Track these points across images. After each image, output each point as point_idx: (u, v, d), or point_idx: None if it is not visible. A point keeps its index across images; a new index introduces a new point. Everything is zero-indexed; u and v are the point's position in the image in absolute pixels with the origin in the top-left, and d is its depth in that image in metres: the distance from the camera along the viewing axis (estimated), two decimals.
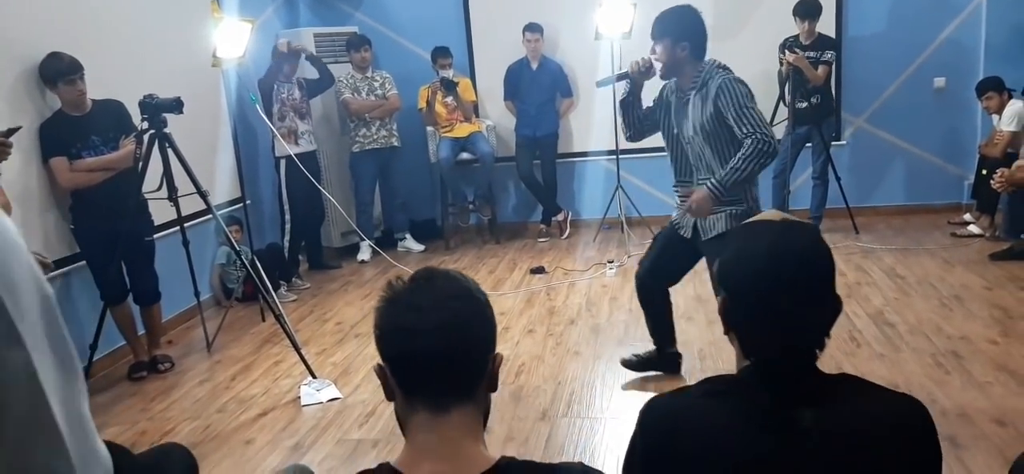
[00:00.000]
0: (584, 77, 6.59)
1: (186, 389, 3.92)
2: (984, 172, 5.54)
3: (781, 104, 5.86)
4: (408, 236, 6.51)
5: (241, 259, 4.17)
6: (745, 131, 2.88)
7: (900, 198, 6.51)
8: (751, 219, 1.31)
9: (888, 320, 4.13)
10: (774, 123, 5.87)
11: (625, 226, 6.20)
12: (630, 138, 3.40)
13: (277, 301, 4.38)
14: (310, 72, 5.89)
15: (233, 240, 4.32)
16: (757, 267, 1.18)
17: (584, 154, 6.80)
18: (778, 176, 5.94)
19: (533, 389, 3.57)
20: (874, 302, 4.42)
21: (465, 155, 6.37)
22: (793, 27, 5.79)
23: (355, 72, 6.14)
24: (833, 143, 6.15)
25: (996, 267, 4.89)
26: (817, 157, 5.91)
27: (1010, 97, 5.46)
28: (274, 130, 5.36)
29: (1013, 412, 3.03)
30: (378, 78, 6.21)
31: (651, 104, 3.35)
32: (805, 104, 5.76)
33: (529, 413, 3.35)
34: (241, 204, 5.46)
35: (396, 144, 6.30)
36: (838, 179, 5.97)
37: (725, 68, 3.06)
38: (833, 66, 5.80)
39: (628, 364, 3.61)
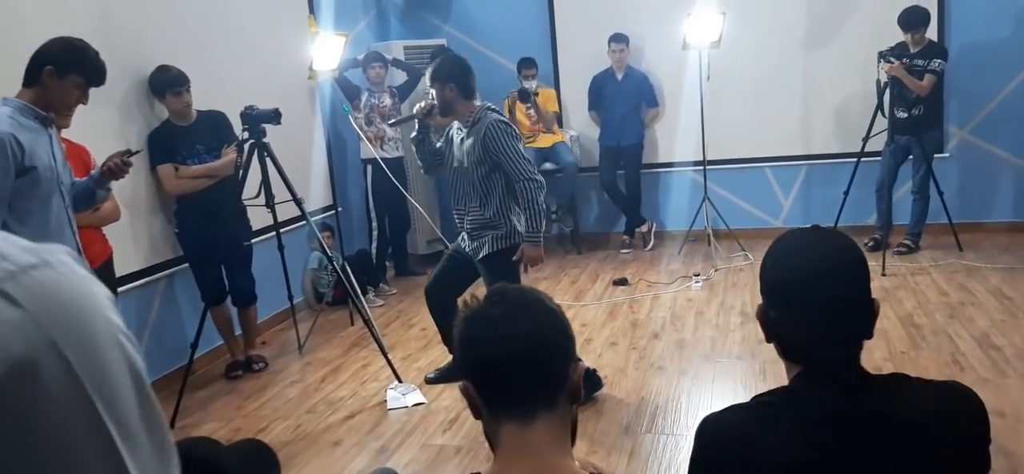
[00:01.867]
0: (670, 87, 6.51)
1: (279, 389, 4.07)
2: None
3: (880, 114, 5.62)
4: None
5: (333, 264, 4.30)
6: (515, 177, 3.38)
7: (1007, 214, 6.13)
8: (789, 230, 1.39)
9: (994, 343, 3.90)
10: (871, 134, 5.66)
11: (712, 238, 6.08)
12: (425, 171, 3.88)
13: (366, 306, 4.50)
14: (399, 77, 6.01)
15: (325, 246, 4.46)
16: (790, 264, 1.27)
17: (670, 164, 6.71)
18: (879, 189, 5.70)
19: (616, 403, 3.55)
20: (979, 324, 4.18)
21: (548, 165, 6.39)
22: (892, 36, 5.53)
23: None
24: (936, 155, 5.86)
25: None
26: (917, 170, 5.63)
27: None
28: (360, 132, 5.49)
29: None
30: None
31: (441, 142, 3.72)
32: (905, 114, 5.50)
33: (612, 427, 3.33)
34: (333, 211, 5.64)
35: None
36: (941, 194, 5.67)
37: (495, 110, 3.48)
38: (940, 76, 5.51)
39: (430, 380, 3.88)
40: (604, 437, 3.23)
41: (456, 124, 3.59)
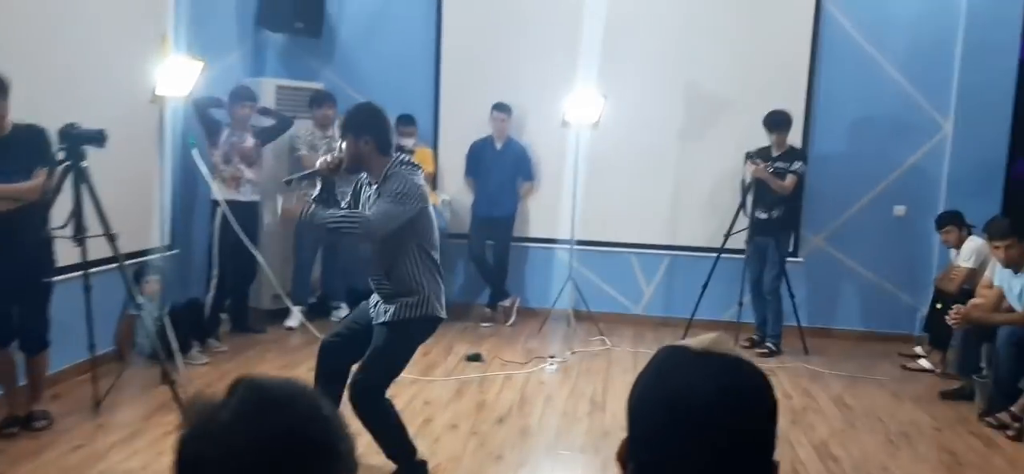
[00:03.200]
0: (547, 162, 6.44)
1: (58, 453, 3.50)
2: (938, 306, 5.43)
3: (742, 213, 5.75)
4: (344, 305, 6.16)
5: (140, 312, 3.81)
6: (376, 209, 3.02)
7: (853, 322, 6.38)
8: (677, 343, 1.03)
9: (833, 453, 3.90)
10: (732, 232, 5.77)
11: (572, 320, 5.96)
12: (328, 233, 3.58)
13: (182, 363, 4.02)
14: (265, 121, 5.64)
15: (134, 290, 3.97)
16: (665, 406, 0.93)
17: (539, 240, 6.60)
18: (754, 288, 5.79)
19: None
20: (819, 432, 4.20)
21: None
22: (761, 138, 5.70)
23: (316, 129, 5.91)
24: (790, 259, 6.03)
25: (946, 406, 4.72)
26: (771, 271, 5.75)
27: (969, 233, 5.39)
28: (205, 171, 5.04)
29: None
30: (338, 138, 5.98)
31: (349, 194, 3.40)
32: (765, 216, 5.64)
33: None
34: (167, 252, 5.10)
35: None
36: (792, 297, 5.82)
37: (411, 165, 3.17)
38: (801, 178, 5.71)
39: None
40: None
41: (365, 178, 3.24)
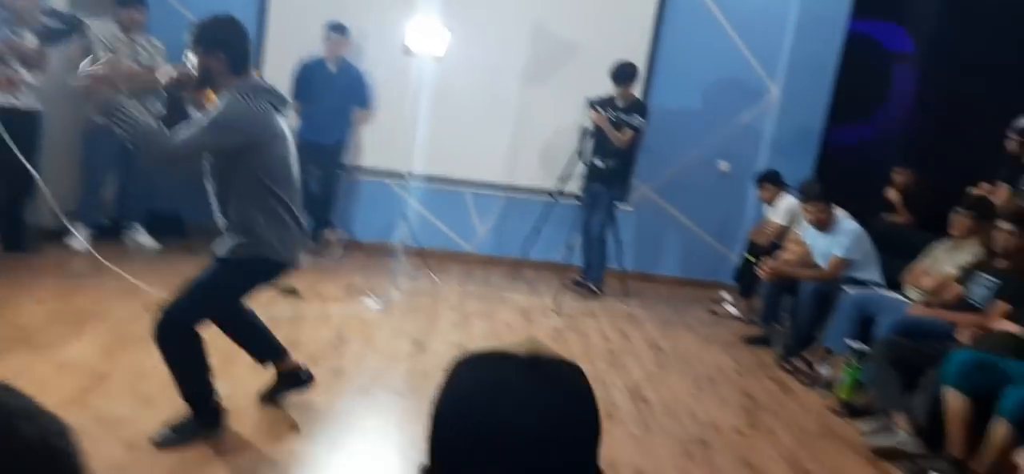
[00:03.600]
0: (387, 92, 6.06)
1: None
2: (750, 258, 5.74)
3: (580, 160, 5.74)
4: (140, 228, 5.51)
5: None
6: (189, 126, 2.62)
7: (672, 270, 6.64)
8: (478, 352, 0.85)
9: (644, 396, 3.99)
10: (569, 177, 5.75)
11: (401, 255, 5.72)
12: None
13: None
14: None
15: None
16: (465, 428, 0.77)
17: (371, 171, 6.27)
18: (585, 233, 5.79)
19: (241, 444, 2.93)
20: (633, 374, 4.29)
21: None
22: (604, 85, 5.68)
23: (119, 32, 5.16)
24: (621, 207, 6.12)
25: (748, 352, 5.00)
26: (597, 217, 5.80)
27: (784, 191, 5.72)
28: None
29: None
30: (147, 46, 5.27)
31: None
32: (602, 165, 5.66)
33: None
34: None
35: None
36: (619, 243, 5.93)
37: (258, 90, 2.76)
38: (639, 132, 5.76)
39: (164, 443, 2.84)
40: None
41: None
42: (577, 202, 5.95)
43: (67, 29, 4.92)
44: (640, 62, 6.02)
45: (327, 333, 4.26)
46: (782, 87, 6.33)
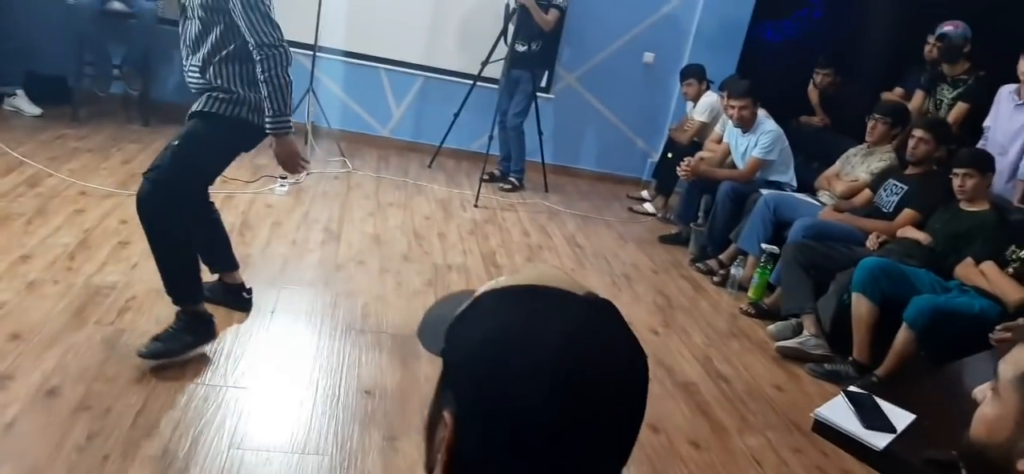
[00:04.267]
0: None
1: None
2: (669, 155, 5.72)
3: (503, 41, 5.47)
4: (20, 92, 4.96)
5: None
6: (254, 41, 2.47)
7: (592, 164, 6.58)
8: (523, 281, 0.70)
9: None
10: (491, 61, 5.50)
11: (310, 135, 5.40)
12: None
13: None
14: None
15: None
16: (541, 382, 0.63)
17: None
18: (501, 120, 5.57)
19: (138, 337, 2.71)
20: None
21: (117, 5, 5.01)
22: None
23: None
24: (542, 95, 5.94)
25: (663, 250, 5.04)
26: (515, 106, 5.60)
27: (708, 87, 5.65)
28: None
29: (666, 418, 2.94)
30: None
31: None
32: (524, 48, 5.42)
33: (125, 371, 2.51)
34: None
35: None
36: (540, 134, 5.78)
37: None
38: (563, 15, 5.52)
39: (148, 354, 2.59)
40: (109, 387, 2.41)
41: None
42: (496, 87, 5.71)
43: None
44: None
45: (232, 218, 3.97)
46: None
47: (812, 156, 5.14)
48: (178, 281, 2.61)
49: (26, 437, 2.14)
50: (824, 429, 1.76)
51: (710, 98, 5.56)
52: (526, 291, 0.69)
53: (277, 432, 2.40)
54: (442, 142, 5.86)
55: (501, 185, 5.68)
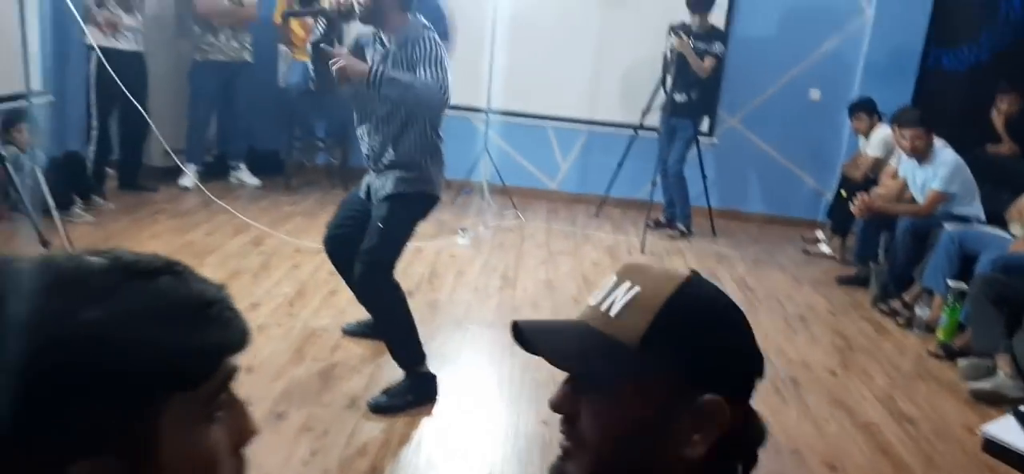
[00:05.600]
0: (463, 24, 6.08)
1: None
2: (843, 193, 5.56)
3: (661, 90, 5.63)
4: (243, 166, 5.80)
5: (5, 163, 3.42)
6: (429, 75, 2.66)
7: (760, 206, 6.50)
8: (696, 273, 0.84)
9: None
10: (650, 109, 5.68)
11: (486, 192, 5.81)
12: (318, 88, 3.08)
13: (60, 222, 3.66)
14: None
15: None
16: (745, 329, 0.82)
17: (454, 107, 6.30)
18: (663, 168, 5.71)
19: (347, 370, 3.12)
20: None
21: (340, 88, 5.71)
22: (684, 13, 5.53)
23: None
24: (704, 139, 6.01)
25: (842, 291, 4.89)
26: (674, 153, 5.68)
27: (880, 121, 5.47)
28: (70, 5, 4.48)
29: (845, 457, 2.90)
30: None
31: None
32: (684, 97, 5.54)
33: (337, 399, 2.90)
34: (38, 98, 4.56)
35: (247, 58, 5.57)
36: (704, 178, 5.84)
37: (431, 28, 2.83)
38: (720, 60, 5.61)
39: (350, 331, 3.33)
40: (325, 411, 2.80)
41: (370, 37, 2.88)
42: (655, 135, 5.85)
43: None
44: None
45: (421, 268, 4.41)
46: (875, 7, 6.00)
47: (1001, 186, 4.81)
48: (400, 346, 2.93)
49: (260, 452, 2.55)
50: (994, 448, 1.73)
51: (882, 131, 5.37)
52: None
53: (467, 456, 2.67)
54: (607, 192, 6.07)
55: (668, 231, 5.77)
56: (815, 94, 6.22)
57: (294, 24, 5.57)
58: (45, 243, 3.22)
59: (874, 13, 6.00)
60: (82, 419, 0.52)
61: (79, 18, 4.49)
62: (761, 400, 3.18)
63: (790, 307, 4.52)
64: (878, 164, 5.36)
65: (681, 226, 5.76)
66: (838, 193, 5.75)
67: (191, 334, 0.58)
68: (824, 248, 5.70)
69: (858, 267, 5.06)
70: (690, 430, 0.76)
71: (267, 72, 5.87)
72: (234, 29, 5.44)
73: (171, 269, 0.60)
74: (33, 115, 4.28)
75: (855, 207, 4.85)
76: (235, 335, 0.61)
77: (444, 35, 6.05)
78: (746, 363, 0.80)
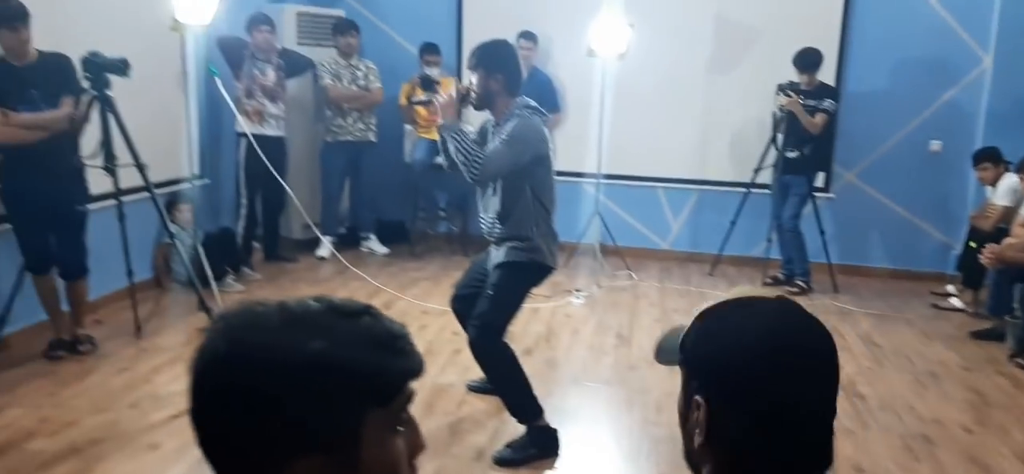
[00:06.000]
0: (574, 92, 6.34)
1: (103, 376, 3.61)
2: (972, 245, 5.33)
3: (772, 148, 5.65)
4: (373, 237, 6.24)
5: (174, 240, 3.88)
6: (493, 147, 2.92)
7: (884, 260, 6.30)
8: (740, 295, 1.01)
9: (859, 391, 3.90)
10: (762, 167, 5.69)
11: (599, 254, 5.96)
12: (448, 167, 3.24)
13: (217, 291, 4.10)
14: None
15: (167, 219, 4.03)
16: (766, 360, 0.91)
17: (565, 173, 6.55)
18: (779, 226, 5.69)
19: (473, 424, 3.30)
20: (846, 370, 4.19)
21: (440, 160, 6.09)
22: (790, 72, 5.56)
23: (339, 58, 5.89)
24: (821, 195, 5.94)
25: (975, 346, 4.68)
26: (789, 209, 5.64)
27: (1006, 169, 5.26)
28: (230, 100, 5.06)
29: None
30: (362, 67, 5.97)
31: (476, 132, 3.23)
32: (796, 154, 5.53)
33: (465, 451, 3.08)
34: (197, 181, 5.14)
35: (372, 139, 6.05)
36: (822, 233, 5.76)
37: (534, 109, 3.05)
38: (831, 116, 5.58)
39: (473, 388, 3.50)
40: (454, 463, 2.98)
41: (491, 122, 3.11)
42: (768, 192, 5.83)
43: (300, 66, 5.68)
44: (830, 43, 5.84)
45: (538, 327, 4.58)
46: (994, 56, 5.80)
47: None
48: (517, 402, 3.09)
49: None
50: None
51: (1010, 180, 5.14)
52: (733, 301, 0.99)
53: None
54: (721, 250, 6.08)
55: (788, 288, 5.70)
56: (936, 145, 6.04)
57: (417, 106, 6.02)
58: (208, 310, 3.61)
59: (993, 62, 5.82)
60: (306, 425, 0.71)
61: (234, 108, 5.06)
62: (892, 459, 3.19)
63: (920, 363, 4.37)
64: (1008, 213, 5.13)
65: (800, 282, 5.68)
66: (967, 245, 5.52)
67: (387, 361, 0.74)
68: (955, 302, 5.46)
69: (992, 320, 4.83)
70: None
71: (393, 149, 6.32)
72: (361, 112, 5.94)
73: (368, 311, 0.79)
74: (193, 196, 4.85)
75: (985, 258, 4.67)
76: (416, 363, 0.78)
77: (554, 107, 6.34)
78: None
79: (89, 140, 3.60)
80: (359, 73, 5.94)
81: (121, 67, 3.56)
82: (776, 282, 5.76)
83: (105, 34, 4.04)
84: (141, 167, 3.62)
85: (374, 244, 6.21)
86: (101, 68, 3.54)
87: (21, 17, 3.51)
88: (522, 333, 4.48)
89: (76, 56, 3.69)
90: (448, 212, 6.32)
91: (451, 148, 2.94)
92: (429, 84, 5.85)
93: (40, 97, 3.60)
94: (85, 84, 3.55)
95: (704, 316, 1.01)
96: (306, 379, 0.71)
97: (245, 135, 5.19)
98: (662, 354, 1.08)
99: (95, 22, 4.20)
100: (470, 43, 6.49)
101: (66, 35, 3.84)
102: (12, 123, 3.55)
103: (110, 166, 3.61)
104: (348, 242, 6.11)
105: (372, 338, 0.75)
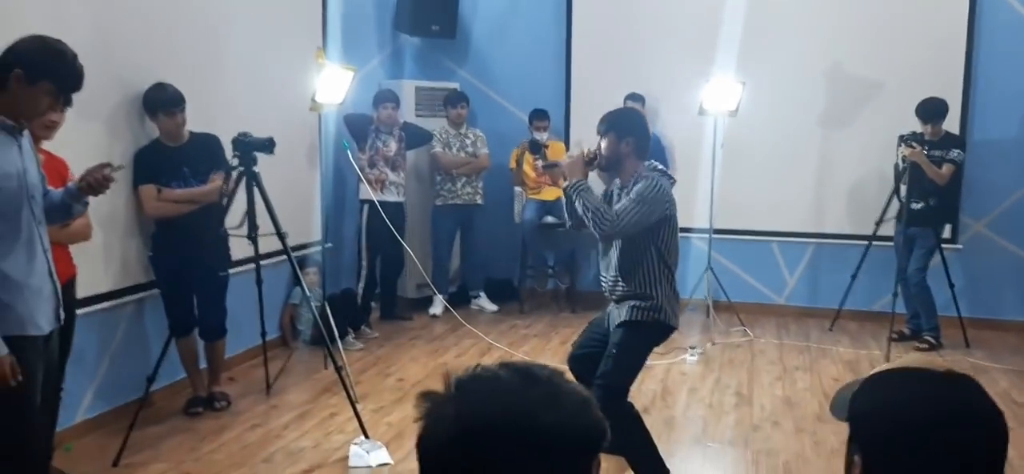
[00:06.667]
0: (683, 151, 6.33)
1: (238, 431, 3.84)
2: None
3: (895, 199, 5.45)
4: (482, 295, 6.39)
5: (309, 303, 4.11)
6: (622, 205, 2.98)
7: (1018, 313, 5.90)
8: (902, 365, 1.06)
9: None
10: (884, 219, 5.50)
11: (711, 310, 5.86)
12: (572, 227, 3.33)
13: (342, 349, 4.30)
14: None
15: (304, 282, 4.28)
16: (923, 432, 0.96)
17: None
18: (904, 279, 5.45)
19: None
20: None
21: (550, 219, 6.22)
22: (910, 124, 5.37)
23: (450, 127, 6.17)
24: (949, 247, 5.65)
25: None
26: (915, 263, 5.38)
27: None
28: (359, 171, 5.36)
29: None
30: (471, 135, 6.23)
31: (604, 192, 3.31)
32: (920, 205, 5.31)
33: None
34: (323, 246, 5.44)
35: (479, 202, 6.26)
36: (952, 286, 5.46)
37: (662, 172, 3.14)
38: (959, 166, 5.33)
39: None
40: None
41: (618, 186, 3.19)
42: (891, 245, 5.59)
43: (421, 139, 5.98)
44: (954, 91, 5.63)
45: (653, 385, 4.54)
46: None
47: None
48: (642, 464, 3.09)
49: None
50: None
51: None
52: (902, 369, 1.03)
53: None
54: (841, 304, 5.86)
55: (916, 344, 5.42)
56: None
57: (526, 167, 6.19)
58: (339, 368, 3.79)
59: None
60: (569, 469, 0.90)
61: (361, 176, 5.37)
62: None
63: None
64: None
65: (929, 338, 5.40)
66: None
67: (597, 419, 0.94)
68: None
69: None
70: None
71: (501, 210, 6.49)
72: (469, 177, 6.17)
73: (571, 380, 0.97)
74: (319, 260, 5.13)
75: None
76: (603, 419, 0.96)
77: (665, 164, 6.33)
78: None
79: (235, 211, 3.89)
80: (468, 141, 6.19)
81: (268, 146, 3.85)
82: (902, 337, 5.49)
83: (249, 113, 4.39)
84: (282, 236, 3.87)
85: (484, 301, 6.36)
86: (250, 147, 3.83)
87: (178, 103, 3.89)
88: (637, 391, 4.42)
89: (225, 135, 4.03)
90: (556, 270, 6.40)
91: (578, 206, 3.01)
92: (537, 148, 6.01)
93: (191, 174, 3.95)
94: (233, 161, 3.85)
95: (874, 378, 1.03)
96: (551, 443, 0.89)
97: (369, 201, 5.47)
98: (835, 408, 1.12)
99: (243, 104, 4.58)
100: (578, 108, 6.67)
101: (217, 118, 4.20)
102: (164, 199, 3.91)
103: (253, 235, 3.88)
104: (458, 301, 6.27)
105: (584, 402, 0.95)
